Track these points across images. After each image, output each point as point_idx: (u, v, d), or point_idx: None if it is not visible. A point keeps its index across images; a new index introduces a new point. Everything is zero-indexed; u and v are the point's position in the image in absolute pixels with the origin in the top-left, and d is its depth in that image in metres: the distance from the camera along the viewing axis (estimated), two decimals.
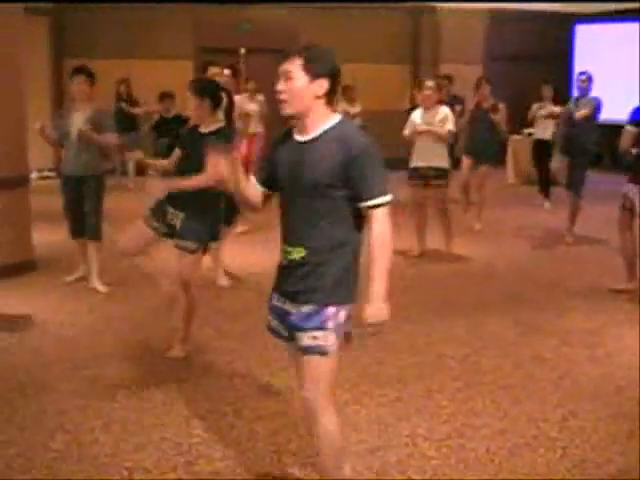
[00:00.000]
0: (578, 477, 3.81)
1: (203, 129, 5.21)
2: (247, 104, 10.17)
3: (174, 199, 5.16)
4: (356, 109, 12.11)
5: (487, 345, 5.64)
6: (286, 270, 3.17)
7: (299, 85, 3.01)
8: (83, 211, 6.87)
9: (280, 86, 3.05)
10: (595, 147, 9.15)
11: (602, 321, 6.21)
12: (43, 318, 6.18)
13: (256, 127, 10.46)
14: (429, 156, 8.12)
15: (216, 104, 5.24)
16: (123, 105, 12.93)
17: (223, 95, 5.63)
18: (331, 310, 3.08)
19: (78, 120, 6.76)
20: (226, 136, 5.15)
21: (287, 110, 3.06)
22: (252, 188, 3.29)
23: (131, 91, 13.33)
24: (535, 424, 4.35)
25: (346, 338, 3.20)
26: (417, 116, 8.25)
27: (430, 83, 8.27)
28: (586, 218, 9.40)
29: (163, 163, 5.69)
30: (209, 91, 5.25)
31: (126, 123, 12.35)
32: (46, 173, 13.73)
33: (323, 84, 3.02)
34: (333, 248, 3.06)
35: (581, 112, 8.82)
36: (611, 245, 8.46)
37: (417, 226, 8.44)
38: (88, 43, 14.00)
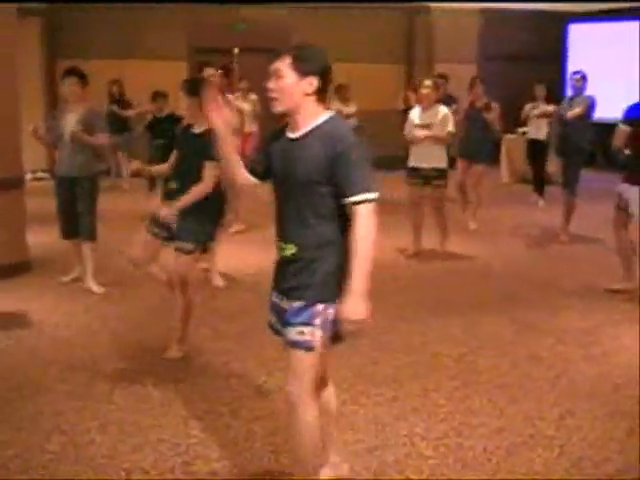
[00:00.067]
0: (576, 476, 3.81)
1: (196, 129, 5.23)
2: (240, 103, 10.16)
3: (172, 202, 5.17)
4: (351, 109, 12.08)
5: (483, 344, 5.64)
6: (281, 266, 3.24)
7: (288, 83, 3.06)
8: (76, 212, 6.87)
9: (271, 84, 3.12)
10: (589, 146, 9.17)
11: (598, 320, 6.22)
12: (39, 319, 6.17)
13: (250, 126, 10.45)
14: (428, 157, 8.12)
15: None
16: (114, 108, 12.89)
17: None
18: (319, 307, 3.10)
19: (71, 121, 6.77)
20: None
21: (278, 108, 3.12)
22: (242, 173, 3.32)
23: (123, 92, 13.30)
24: (532, 423, 4.36)
25: (336, 337, 3.19)
26: (415, 116, 8.22)
27: (428, 82, 8.25)
28: (581, 217, 9.42)
29: (162, 168, 5.68)
30: (199, 91, 5.25)
31: (118, 125, 12.35)
32: (40, 174, 13.70)
33: (312, 82, 3.07)
34: (321, 246, 3.08)
35: (574, 111, 8.83)
36: (606, 244, 8.48)
37: (413, 225, 8.45)
38: (81, 44, 13.97)
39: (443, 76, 11.87)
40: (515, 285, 7.28)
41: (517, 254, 8.62)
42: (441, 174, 8.20)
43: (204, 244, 5.29)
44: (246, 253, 8.23)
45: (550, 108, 9.37)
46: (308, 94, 3.08)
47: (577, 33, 16.08)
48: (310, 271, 3.09)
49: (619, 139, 6.65)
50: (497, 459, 3.95)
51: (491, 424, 4.34)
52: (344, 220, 3.10)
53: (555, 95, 11.16)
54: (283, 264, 3.22)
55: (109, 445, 4.07)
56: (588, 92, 9.06)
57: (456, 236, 8.82)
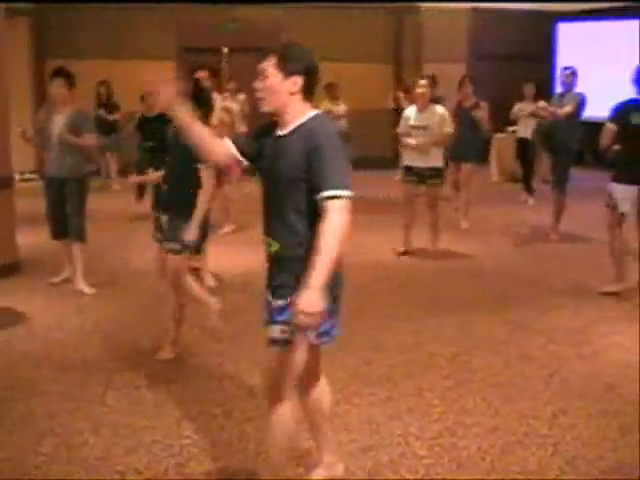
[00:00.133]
0: (570, 474, 3.82)
1: None
2: (229, 103, 10.16)
3: (162, 203, 5.17)
4: (341, 108, 12.04)
5: (476, 344, 5.64)
6: (268, 263, 3.26)
7: (273, 82, 3.09)
8: (65, 212, 6.85)
9: (257, 84, 3.15)
10: (578, 145, 9.18)
11: (589, 319, 6.23)
12: (30, 320, 6.14)
13: (239, 126, 10.44)
14: (424, 156, 8.12)
15: (196, 103, 5.20)
16: (101, 112, 12.80)
17: (209, 95, 5.61)
18: None
19: (59, 123, 6.77)
20: None
21: (265, 107, 3.15)
22: (219, 148, 3.31)
23: (111, 93, 13.22)
24: (526, 421, 4.36)
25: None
26: (411, 116, 8.20)
27: (423, 81, 8.22)
28: (570, 215, 9.44)
29: (155, 176, 5.69)
30: (190, 91, 5.24)
31: (106, 127, 12.31)
32: (28, 175, 13.63)
33: (297, 81, 3.09)
34: (303, 244, 3.07)
35: (565, 109, 8.84)
36: (596, 242, 8.52)
37: (406, 223, 8.45)
38: (70, 44, 13.92)
39: (431, 77, 11.88)
40: (506, 284, 7.29)
41: (508, 253, 8.64)
42: (437, 173, 8.22)
43: (193, 244, 5.24)
44: (237, 253, 8.21)
45: (542, 103, 9.33)
46: (293, 93, 3.10)
47: (566, 32, 16.12)
48: (293, 269, 3.08)
49: (606, 138, 6.66)
50: (491, 458, 3.95)
51: (485, 423, 4.34)
52: None
53: (544, 94, 11.17)
54: (270, 261, 3.24)
55: (102, 447, 4.06)
56: (577, 90, 9.08)
57: (448, 235, 8.83)
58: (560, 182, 9.02)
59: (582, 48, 14.89)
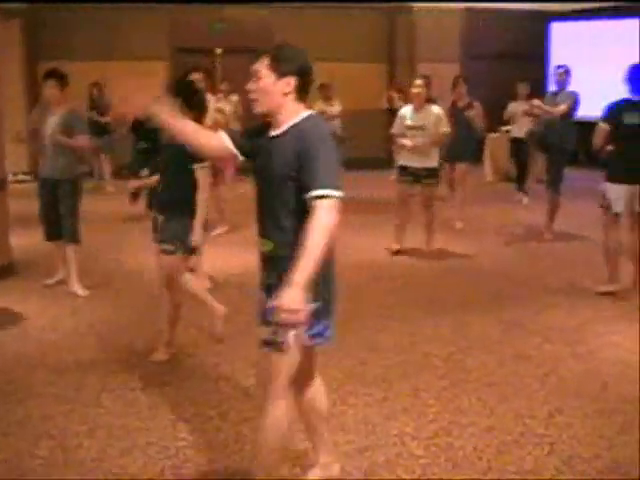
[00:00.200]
0: (566, 473, 3.82)
1: None
2: (222, 105, 10.15)
3: (157, 204, 5.17)
4: (335, 109, 12.03)
5: (471, 343, 5.64)
6: (262, 262, 3.25)
7: (266, 83, 3.09)
8: (59, 214, 6.84)
9: (250, 85, 3.14)
10: (572, 144, 9.19)
11: (584, 318, 6.24)
12: (24, 322, 6.13)
13: (233, 127, 10.43)
14: (419, 156, 8.13)
15: (190, 104, 5.20)
16: (94, 115, 12.76)
17: (203, 97, 5.61)
18: None
19: (52, 124, 6.76)
20: None
21: (258, 108, 3.15)
22: (209, 140, 3.36)
23: (104, 94, 13.20)
24: (522, 421, 4.36)
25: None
26: (407, 116, 8.20)
27: (419, 81, 8.23)
28: (564, 215, 9.45)
29: (153, 180, 5.69)
30: (182, 91, 5.24)
31: (98, 129, 12.29)
32: (21, 177, 13.60)
33: (290, 82, 3.08)
34: (295, 244, 3.02)
35: (559, 108, 8.84)
36: (590, 242, 8.54)
37: (399, 223, 8.46)
38: (62, 45, 13.88)
39: (425, 77, 11.89)
40: (501, 283, 7.30)
41: (502, 252, 8.65)
42: (432, 173, 8.22)
43: (186, 246, 5.22)
44: (231, 254, 8.20)
45: (536, 101, 9.32)
46: (287, 94, 3.09)
47: (559, 32, 16.15)
48: (285, 269, 3.02)
49: (599, 138, 6.66)
50: (488, 458, 3.95)
51: (481, 423, 4.34)
52: None
53: (538, 93, 11.18)
54: (264, 260, 3.23)
55: (98, 449, 4.04)
56: (570, 89, 9.08)
57: (442, 235, 8.84)
58: (554, 182, 9.03)
59: (575, 48, 14.91)
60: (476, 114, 9.80)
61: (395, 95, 13.69)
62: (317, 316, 3.14)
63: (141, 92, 3.29)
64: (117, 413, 4.47)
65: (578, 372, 5.10)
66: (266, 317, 3.14)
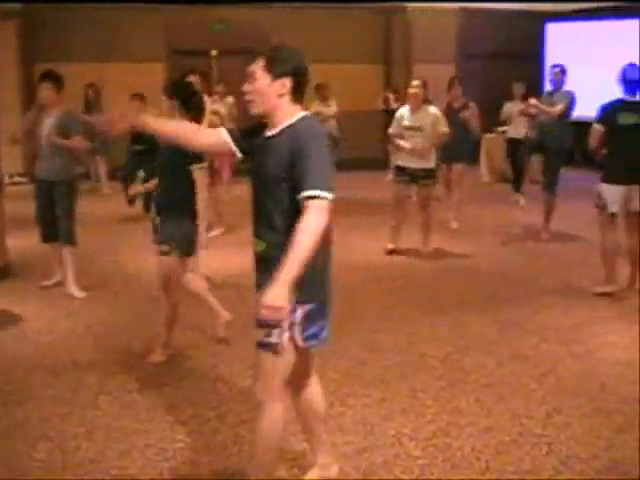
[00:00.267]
0: (564, 473, 3.82)
1: None
2: (218, 107, 10.15)
3: (155, 205, 5.19)
4: (331, 110, 12.01)
5: (469, 344, 5.65)
6: (256, 263, 3.24)
7: (262, 85, 3.09)
8: (55, 215, 6.83)
9: (246, 87, 3.15)
10: (569, 144, 9.19)
11: (581, 317, 6.24)
12: (21, 324, 6.12)
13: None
14: (418, 157, 8.13)
15: (188, 106, 5.20)
16: (87, 117, 12.71)
17: (200, 99, 5.61)
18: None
19: (48, 125, 6.76)
20: None
21: (254, 110, 3.16)
22: (210, 134, 3.47)
23: (100, 96, 13.18)
24: (520, 421, 4.37)
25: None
26: (405, 116, 8.21)
27: (416, 82, 8.24)
28: (561, 215, 9.45)
29: (153, 184, 5.70)
30: (179, 92, 5.25)
31: (92, 132, 12.24)
32: (17, 178, 13.57)
33: (285, 83, 3.08)
34: (287, 245, 2.99)
35: (556, 108, 8.84)
36: (586, 242, 8.56)
37: (395, 224, 8.46)
38: (58, 47, 13.84)
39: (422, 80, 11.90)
40: (498, 283, 7.30)
41: (499, 253, 8.65)
42: (429, 174, 8.23)
43: (183, 247, 5.22)
44: (228, 255, 8.19)
45: (533, 100, 9.30)
46: (282, 95, 3.09)
47: (554, 32, 16.17)
48: (277, 269, 2.98)
49: (594, 139, 6.66)
50: (486, 458, 3.95)
51: (479, 423, 4.34)
52: None
53: (533, 93, 11.18)
54: (257, 261, 3.23)
55: (96, 451, 4.04)
56: (566, 88, 9.09)
57: (439, 235, 8.85)
58: (551, 184, 9.02)
59: (570, 48, 14.93)
60: (472, 115, 9.80)
61: (391, 96, 13.69)
62: (313, 318, 3.14)
63: (125, 109, 3.33)
64: (115, 415, 4.47)
65: (576, 372, 5.10)
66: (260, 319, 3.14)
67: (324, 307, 3.21)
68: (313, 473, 3.67)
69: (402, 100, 12.18)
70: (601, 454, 4.00)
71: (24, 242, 8.30)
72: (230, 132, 3.37)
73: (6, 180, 12.29)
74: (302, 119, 3.12)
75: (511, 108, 11.68)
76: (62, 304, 6.65)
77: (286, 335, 3.10)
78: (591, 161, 8.04)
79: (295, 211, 2.98)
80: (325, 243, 3.13)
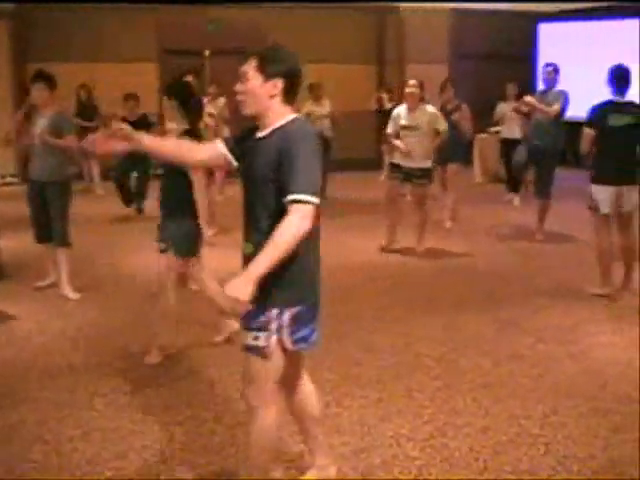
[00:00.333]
0: (562, 473, 3.82)
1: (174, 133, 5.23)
2: (210, 108, 10.13)
3: (160, 204, 5.24)
4: (324, 109, 11.97)
5: (465, 344, 5.64)
6: (244, 266, 3.15)
7: (254, 85, 3.07)
8: (48, 216, 6.81)
9: (238, 87, 3.13)
10: (562, 144, 9.19)
11: (578, 318, 6.24)
12: (15, 325, 6.09)
13: (222, 130, 10.42)
14: (414, 156, 8.13)
15: (186, 107, 5.19)
16: (78, 120, 12.67)
17: (199, 100, 5.61)
18: (274, 312, 3.07)
19: (40, 125, 6.74)
20: (191, 136, 5.07)
21: (245, 110, 3.13)
22: (204, 150, 3.48)
23: (92, 96, 13.15)
24: (517, 421, 4.37)
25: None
26: (402, 116, 8.20)
27: (413, 81, 8.25)
28: (555, 215, 9.46)
29: None
30: (177, 93, 5.24)
31: (84, 134, 12.20)
32: (9, 179, 13.54)
33: (277, 84, 3.06)
34: None
35: (553, 107, 8.84)
36: (581, 242, 8.58)
37: (390, 223, 8.46)
38: (51, 47, 13.79)
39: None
40: (494, 283, 7.30)
41: (495, 253, 8.65)
42: (425, 173, 8.24)
43: (184, 245, 5.21)
44: (220, 256, 8.16)
45: (528, 98, 9.27)
46: (273, 96, 3.07)
47: (547, 32, 16.20)
48: (265, 274, 2.93)
49: (586, 143, 6.65)
50: (484, 458, 3.95)
51: (476, 424, 4.34)
52: None
53: (526, 93, 11.21)
54: (245, 263, 3.14)
55: (92, 453, 4.02)
56: (559, 88, 9.09)
57: (433, 234, 8.85)
58: (545, 189, 9.01)
59: (563, 48, 14.97)
60: (462, 117, 9.80)
61: (384, 96, 13.69)
62: (302, 320, 3.12)
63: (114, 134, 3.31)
64: (111, 416, 4.45)
65: (572, 372, 5.11)
66: (248, 322, 3.12)
67: (314, 309, 3.19)
68: (311, 474, 3.66)
69: (395, 100, 12.21)
70: (598, 454, 4.00)
71: (17, 243, 8.28)
72: (226, 142, 3.34)
73: None
74: (293, 121, 3.09)
75: (504, 108, 11.73)
76: (56, 305, 6.62)
77: (274, 338, 3.08)
78: (583, 162, 8.05)
79: (282, 213, 2.93)
80: (314, 245, 3.13)
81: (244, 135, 3.27)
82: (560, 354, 5.44)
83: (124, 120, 10.48)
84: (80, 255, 7.58)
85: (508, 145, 11.75)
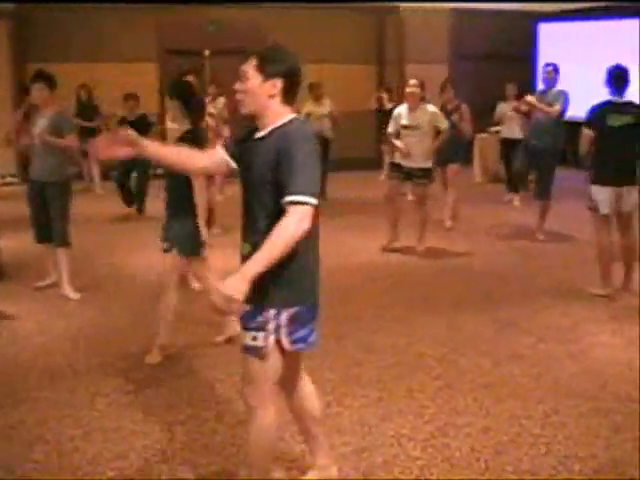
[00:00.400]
0: (563, 473, 3.82)
1: (176, 133, 5.25)
2: (209, 108, 10.13)
3: (166, 203, 5.25)
4: (324, 109, 11.96)
5: (466, 344, 5.64)
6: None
7: (252, 85, 3.06)
8: (48, 216, 6.81)
9: (237, 86, 3.12)
10: (562, 144, 9.19)
11: (578, 318, 6.24)
12: (15, 325, 6.09)
13: (222, 130, 10.41)
14: (414, 156, 8.13)
15: (188, 107, 5.20)
16: (78, 120, 12.67)
17: (201, 99, 5.62)
18: (271, 312, 3.06)
19: (41, 124, 6.75)
20: (194, 136, 5.07)
21: (244, 109, 3.13)
22: (194, 158, 3.47)
23: (92, 96, 13.15)
24: (518, 421, 4.37)
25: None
26: (403, 115, 8.20)
27: (414, 81, 8.26)
28: (555, 215, 9.47)
29: None
30: (179, 93, 5.25)
31: (84, 134, 12.20)
32: (9, 179, 13.54)
33: (276, 84, 3.05)
34: None
35: (555, 108, 8.83)
36: (581, 241, 8.58)
37: (389, 221, 8.47)
38: (51, 47, 13.79)
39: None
40: (494, 283, 7.30)
41: (495, 252, 8.65)
42: (425, 173, 8.24)
43: (187, 245, 5.22)
44: (218, 256, 8.16)
45: (529, 98, 9.26)
46: (272, 96, 3.06)
47: (547, 32, 16.21)
48: (262, 274, 2.91)
49: (585, 144, 6.65)
50: (485, 458, 3.95)
51: (477, 423, 4.34)
52: None
53: (526, 94, 11.22)
54: (242, 264, 3.11)
55: (94, 452, 4.02)
56: (559, 88, 9.09)
57: (433, 234, 8.86)
58: (545, 190, 9.01)
59: (563, 48, 14.97)
60: (462, 118, 9.80)
61: (384, 96, 13.69)
62: (301, 321, 3.11)
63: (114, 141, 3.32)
64: (112, 416, 4.45)
65: (573, 372, 5.11)
66: (246, 323, 3.12)
67: (313, 310, 3.18)
68: (312, 475, 3.66)
69: (395, 100, 12.21)
70: (599, 453, 4.00)
71: (17, 243, 8.28)
72: (226, 148, 3.33)
73: None
74: (292, 121, 3.08)
75: (504, 108, 11.73)
76: (56, 305, 6.62)
77: (272, 338, 3.08)
78: (583, 162, 8.04)
79: (280, 213, 2.92)
80: (313, 244, 3.13)
81: (244, 137, 3.26)
82: (560, 354, 5.44)
83: (124, 120, 10.52)
84: (80, 255, 7.59)
85: (508, 145, 11.76)
